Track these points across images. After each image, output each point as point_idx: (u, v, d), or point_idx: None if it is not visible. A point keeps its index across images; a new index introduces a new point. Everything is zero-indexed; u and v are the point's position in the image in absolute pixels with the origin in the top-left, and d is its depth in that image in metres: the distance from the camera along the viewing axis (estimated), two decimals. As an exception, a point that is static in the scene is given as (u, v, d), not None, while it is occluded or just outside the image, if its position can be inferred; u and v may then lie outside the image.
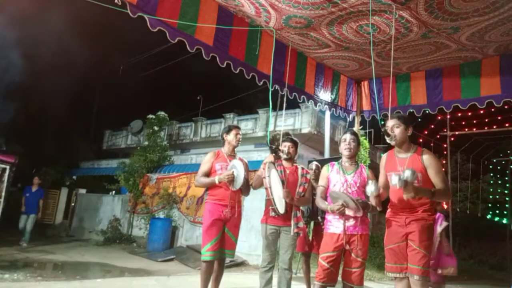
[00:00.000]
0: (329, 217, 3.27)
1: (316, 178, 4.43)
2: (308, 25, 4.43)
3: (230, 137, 3.99)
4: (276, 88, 4.99)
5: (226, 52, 4.41)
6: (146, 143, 12.95)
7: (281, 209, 3.59)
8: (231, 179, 3.72)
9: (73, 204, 14.33)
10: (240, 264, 8.13)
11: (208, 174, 3.91)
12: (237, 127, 4.10)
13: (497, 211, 17.69)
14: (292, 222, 3.69)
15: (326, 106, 6.00)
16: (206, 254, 3.69)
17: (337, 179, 3.29)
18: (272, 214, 3.65)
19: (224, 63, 4.41)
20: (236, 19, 4.46)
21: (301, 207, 4.02)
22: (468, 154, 17.46)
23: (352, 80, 6.40)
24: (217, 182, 3.76)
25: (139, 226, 11.06)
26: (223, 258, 3.89)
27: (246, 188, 3.94)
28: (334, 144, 6.37)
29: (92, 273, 6.68)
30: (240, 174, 3.77)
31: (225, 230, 3.81)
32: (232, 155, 4.01)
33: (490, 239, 15.36)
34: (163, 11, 3.73)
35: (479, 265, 12.37)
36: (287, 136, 3.98)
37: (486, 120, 15.93)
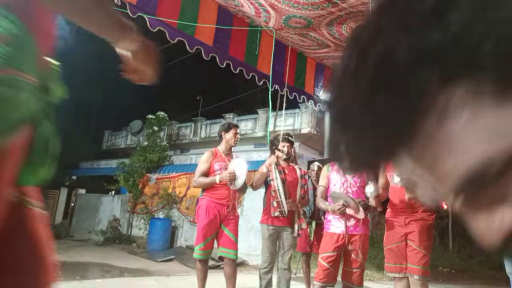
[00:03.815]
0: (329, 217, 3.27)
1: (318, 179, 4.44)
2: (308, 25, 4.43)
3: (229, 136, 3.92)
4: (276, 88, 4.99)
5: (226, 52, 4.40)
6: (146, 143, 12.95)
7: (286, 210, 3.63)
8: (233, 178, 3.64)
9: (72, 204, 14.33)
10: (240, 264, 8.12)
11: (206, 174, 3.81)
12: (236, 126, 4.00)
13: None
14: (296, 225, 3.70)
15: (326, 106, 6.00)
16: (198, 253, 3.66)
17: (337, 179, 3.30)
18: (277, 214, 3.65)
19: (224, 63, 4.40)
20: (236, 19, 4.45)
21: (303, 208, 4.04)
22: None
23: (352, 80, 6.40)
24: (218, 181, 3.68)
25: (138, 226, 11.06)
26: (230, 259, 3.68)
27: (244, 187, 3.89)
28: (334, 144, 6.36)
29: (91, 273, 6.67)
30: (242, 173, 3.71)
31: (224, 230, 3.73)
32: (230, 154, 3.94)
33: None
34: (163, 11, 3.72)
35: (479, 265, 12.34)
36: (286, 136, 3.98)
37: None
